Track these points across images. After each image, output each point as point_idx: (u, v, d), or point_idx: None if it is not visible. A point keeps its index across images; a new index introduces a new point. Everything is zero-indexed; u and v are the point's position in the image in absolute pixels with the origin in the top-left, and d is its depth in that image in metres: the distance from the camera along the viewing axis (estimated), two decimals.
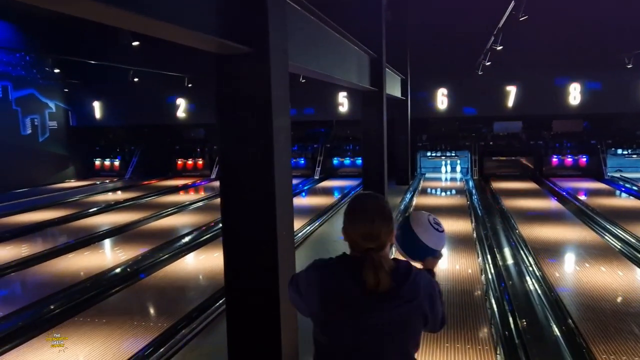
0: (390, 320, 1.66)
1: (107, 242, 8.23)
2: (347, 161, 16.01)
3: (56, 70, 14.51)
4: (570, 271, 6.40)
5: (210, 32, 2.91)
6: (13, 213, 10.50)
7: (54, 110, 15.88)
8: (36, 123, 15.16)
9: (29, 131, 14.88)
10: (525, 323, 4.59)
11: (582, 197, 11.03)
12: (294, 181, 14.22)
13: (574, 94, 13.78)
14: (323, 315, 1.73)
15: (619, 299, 5.20)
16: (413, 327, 1.73)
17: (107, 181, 15.82)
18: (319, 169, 15.69)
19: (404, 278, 1.68)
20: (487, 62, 11.42)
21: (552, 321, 4.65)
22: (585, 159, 14.54)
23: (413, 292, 1.69)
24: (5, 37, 13.95)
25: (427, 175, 15.62)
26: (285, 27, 3.60)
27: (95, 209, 10.96)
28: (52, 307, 5.31)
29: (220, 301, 5.09)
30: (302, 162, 15.95)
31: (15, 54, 14.24)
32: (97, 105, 16.66)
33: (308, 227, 8.60)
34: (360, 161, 14.42)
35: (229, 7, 3.12)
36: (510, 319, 4.69)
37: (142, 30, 2.76)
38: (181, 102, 16.13)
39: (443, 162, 16.08)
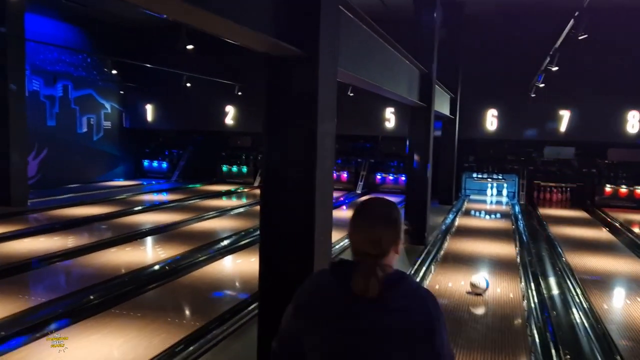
0: (373, 327, 1.56)
1: (148, 240, 8.40)
2: (390, 177, 15.85)
3: (114, 72, 15.07)
4: (619, 305, 6.06)
5: (264, 31, 2.93)
6: (64, 206, 10.90)
7: (109, 110, 16.49)
8: (92, 122, 15.77)
9: (85, 130, 15.49)
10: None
11: (636, 229, 10.48)
12: (336, 194, 14.19)
13: (632, 122, 13.20)
14: (303, 322, 1.66)
15: None
16: (399, 339, 1.55)
17: (154, 182, 16.24)
18: (362, 183, 15.59)
19: (394, 285, 1.59)
20: (541, 84, 11.10)
21: (598, 356, 4.39)
22: None
23: (403, 300, 1.58)
24: (70, 38, 14.63)
25: (472, 197, 15.27)
26: (337, 33, 3.60)
27: (140, 207, 11.24)
28: (91, 297, 5.44)
29: (253, 305, 5.08)
30: (346, 175, 15.90)
31: (78, 55, 14.90)
32: (149, 108, 17.18)
33: (347, 240, 8.51)
34: (404, 178, 14.24)
35: (283, 7, 3.14)
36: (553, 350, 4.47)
37: (195, 23, 2.81)
38: (230, 110, 16.42)
39: (489, 185, 15.67)
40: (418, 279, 6.32)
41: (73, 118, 15.00)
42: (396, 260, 1.70)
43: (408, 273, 1.69)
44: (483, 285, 5.87)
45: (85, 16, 14.57)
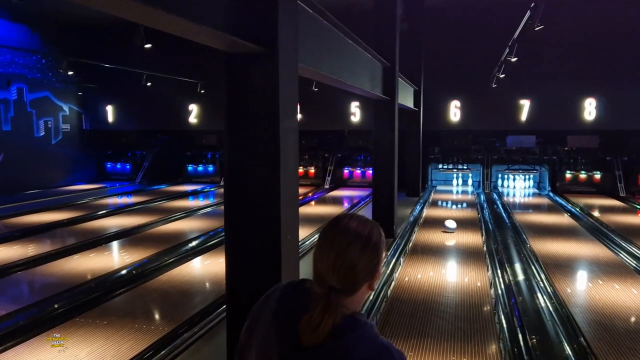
0: None
1: (113, 245, 8.20)
2: (357, 171, 15.93)
3: (70, 73, 14.62)
4: (582, 288, 6.24)
5: (221, 29, 2.87)
6: (23, 213, 10.54)
7: (67, 113, 16.02)
8: (50, 125, 15.29)
9: (42, 133, 15.01)
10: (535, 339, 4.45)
11: (596, 214, 10.82)
12: (304, 190, 14.17)
13: (589, 109, 13.60)
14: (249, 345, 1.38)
15: (633, 318, 5.04)
16: None
17: (118, 185, 15.87)
18: (329, 178, 15.61)
19: (340, 335, 1.23)
20: (502, 74, 11.31)
21: (563, 338, 4.51)
22: (599, 176, 14.32)
23: (340, 354, 1.22)
24: (23, 39, 14.13)
25: (438, 187, 15.48)
26: (296, 28, 3.56)
27: (104, 211, 10.97)
28: (55, 306, 5.27)
29: (223, 307, 5.02)
30: (313, 170, 15.89)
31: (32, 57, 14.40)
32: (110, 109, 16.78)
33: (316, 236, 8.51)
34: (371, 172, 14.33)
35: (240, 4, 3.08)
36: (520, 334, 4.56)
37: (153, 24, 2.73)
38: (194, 108, 16.18)
39: (454, 175, 15.94)
40: (387, 272, 6.36)
41: (29, 122, 14.52)
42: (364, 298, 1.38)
43: (371, 322, 1.29)
44: (452, 226, 8.68)
45: (38, 16, 14.09)
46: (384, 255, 1.35)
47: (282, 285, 1.42)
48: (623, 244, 7.96)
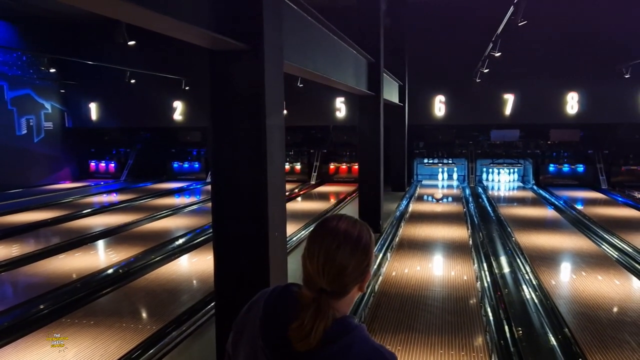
0: None
1: (99, 244, 8.12)
2: (343, 167, 15.96)
3: (52, 70, 14.41)
4: (566, 280, 6.34)
5: (204, 26, 2.86)
6: (5, 213, 10.39)
7: (49, 111, 15.79)
8: (31, 123, 15.06)
9: (24, 131, 14.78)
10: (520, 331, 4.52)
11: (579, 206, 10.98)
12: (290, 186, 14.16)
13: (572, 103, 13.77)
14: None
15: (616, 308, 5.14)
16: None
17: (102, 183, 15.71)
18: (315, 174, 15.63)
19: (332, 340, 1.21)
20: (485, 69, 11.40)
21: (548, 330, 4.58)
22: (582, 169, 14.53)
23: (333, 359, 1.21)
24: (2, 36, 13.89)
25: (424, 182, 15.58)
26: (280, 25, 3.55)
27: (88, 210, 10.85)
28: (41, 307, 5.22)
29: (211, 304, 5.01)
30: (299, 167, 15.88)
31: (12, 54, 14.16)
32: (93, 107, 16.57)
33: (303, 232, 8.52)
34: (356, 167, 14.37)
35: (223, 1, 3.06)
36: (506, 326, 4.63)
37: (136, 21, 2.71)
38: (178, 105, 16.06)
39: (440, 169, 16.04)
40: (375, 266, 6.40)
41: (11, 120, 14.29)
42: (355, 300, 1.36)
43: (361, 324, 1.29)
44: (438, 195, 9.86)
45: (17, 12, 13.84)
46: (374, 256, 1.34)
47: (268, 291, 1.37)
48: (605, 236, 8.09)
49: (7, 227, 9.04)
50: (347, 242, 1.26)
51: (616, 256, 7.04)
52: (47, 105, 15.71)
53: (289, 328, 1.22)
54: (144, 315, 5.29)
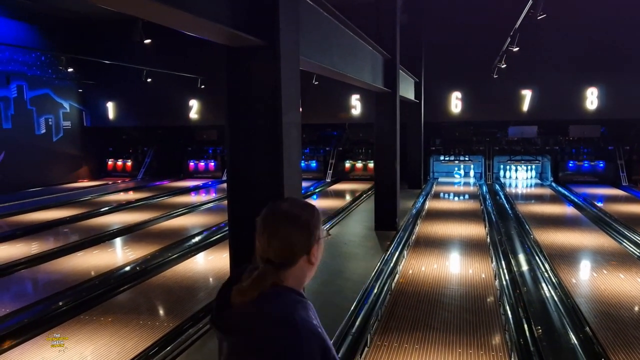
0: (230, 350, 1.40)
1: (117, 242, 8.20)
2: (359, 165, 15.90)
3: (70, 70, 14.57)
4: (587, 278, 6.22)
5: (221, 22, 2.84)
6: (25, 211, 10.54)
7: (68, 110, 15.98)
8: (50, 123, 15.26)
9: (43, 131, 14.98)
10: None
11: (599, 204, 10.79)
12: (306, 184, 14.15)
13: (591, 98, 13.53)
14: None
15: (638, 307, 5.03)
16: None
17: (120, 181, 15.87)
18: (331, 171, 15.59)
19: (261, 299, 1.36)
20: (503, 65, 11.24)
21: (568, 329, 4.49)
22: (602, 165, 14.28)
23: (247, 324, 1.35)
24: (21, 36, 14.08)
25: (440, 179, 15.46)
26: (297, 21, 3.52)
27: (106, 208, 10.97)
28: (60, 303, 5.27)
29: None
30: (314, 164, 15.86)
31: (31, 54, 14.35)
32: (110, 106, 16.74)
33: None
34: (372, 164, 14.30)
35: None
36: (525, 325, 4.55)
37: (152, 17, 2.71)
38: (194, 104, 16.14)
39: (456, 167, 15.90)
40: (391, 265, 6.34)
41: (30, 119, 14.49)
42: (312, 274, 1.49)
43: (300, 298, 1.42)
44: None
45: (36, 13, 14.03)
46: (318, 233, 1.47)
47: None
48: (627, 233, 7.93)
49: (27, 225, 9.17)
50: (287, 219, 1.44)
51: (638, 254, 6.89)
52: (66, 105, 15.90)
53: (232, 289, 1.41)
54: (161, 312, 5.32)
